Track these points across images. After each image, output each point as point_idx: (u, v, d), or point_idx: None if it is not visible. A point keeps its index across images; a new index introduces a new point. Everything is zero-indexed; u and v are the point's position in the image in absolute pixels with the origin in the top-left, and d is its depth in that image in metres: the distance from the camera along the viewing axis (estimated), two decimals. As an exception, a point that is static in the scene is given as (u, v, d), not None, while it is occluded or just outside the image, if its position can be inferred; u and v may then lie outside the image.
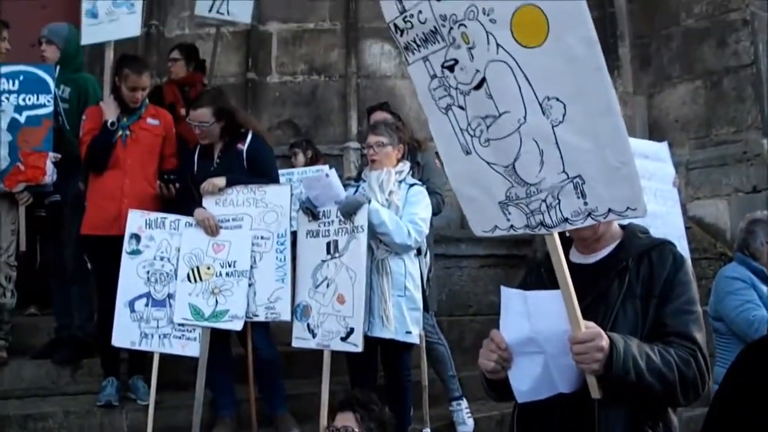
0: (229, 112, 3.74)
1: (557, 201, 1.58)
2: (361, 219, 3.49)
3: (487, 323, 3.28)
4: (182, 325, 3.67)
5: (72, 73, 4.15)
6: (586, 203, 1.54)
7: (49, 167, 3.90)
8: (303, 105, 5.69)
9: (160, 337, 3.69)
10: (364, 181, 3.66)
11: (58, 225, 4.06)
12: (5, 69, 3.96)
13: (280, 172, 4.02)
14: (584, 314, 1.58)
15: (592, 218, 1.56)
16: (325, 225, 3.63)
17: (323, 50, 5.77)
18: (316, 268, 3.62)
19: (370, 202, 3.48)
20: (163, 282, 3.75)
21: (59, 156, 3.93)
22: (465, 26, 1.56)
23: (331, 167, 3.97)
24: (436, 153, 4.04)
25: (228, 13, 4.40)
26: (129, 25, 3.95)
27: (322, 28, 5.75)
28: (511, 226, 1.70)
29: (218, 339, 3.69)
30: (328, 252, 3.59)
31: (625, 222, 1.90)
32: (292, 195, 3.74)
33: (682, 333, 1.68)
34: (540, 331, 1.62)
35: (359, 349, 3.42)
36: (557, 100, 1.50)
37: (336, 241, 3.58)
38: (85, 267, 4.00)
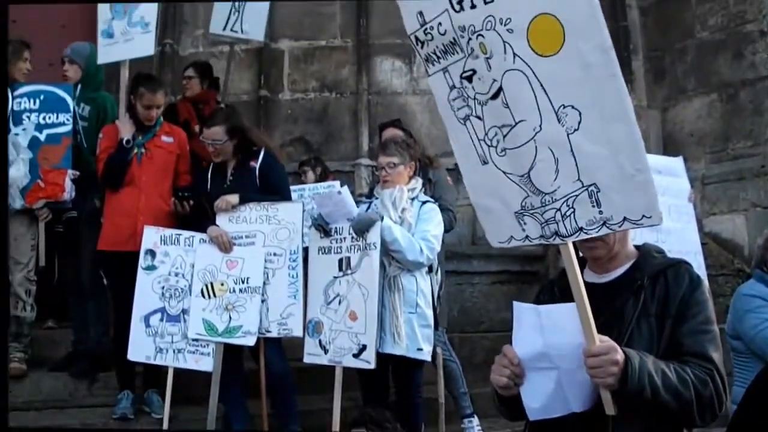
0: (242, 130, 3.80)
1: (572, 210, 1.57)
2: (373, 236, 3.51)
3: (499, 340, 3.25)
4: (196, 340, 3.73)
5: (92, 92, 4.26)
6: (601, 212, 1.53)
7: (68, 184, 4.00)
8: (314, 122, 5.75)
9: (174, 351, 3.75)
10: (376, 198, 3.69)
11: (75, 241, 4.14)
12: (26, 88, 4.08)
13: (291, 188, 4.06)
14: (598, 332, 1.56)
15: (608, 227, 1.55)
16: (337, 242, 3.65)
17: (334, 67, 5.82)
18: (328, 284, 3.64)
19: (382, 219, 3.50)
20: (177, 297, 3.80)
21: (78, 173, 4.02)
22: (483, 36, 1.58)
23: (342, 184, 4.01)
24: (447, 169, 4.10)
25: (242, 31, 4.46)
26: (144, 44, 4.03)
27: (333, 45, 5.81)
28: (527, 237, 1.70)
29: (231, 354, 3.73)
30: (340, 269, 3.62)
31: (640, 242, 1.90)
32: (303, 212, 3.78)
33: (699, 353, 1.65)
34: (553, 345, 1.60)
35: (372, 366, 3.44)
36: (572, 107, 1.50)
37: (348, 258, 3.60)
38: (101, 282, 4.07)
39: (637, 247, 1.86)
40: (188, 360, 3.74)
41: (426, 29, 1.68)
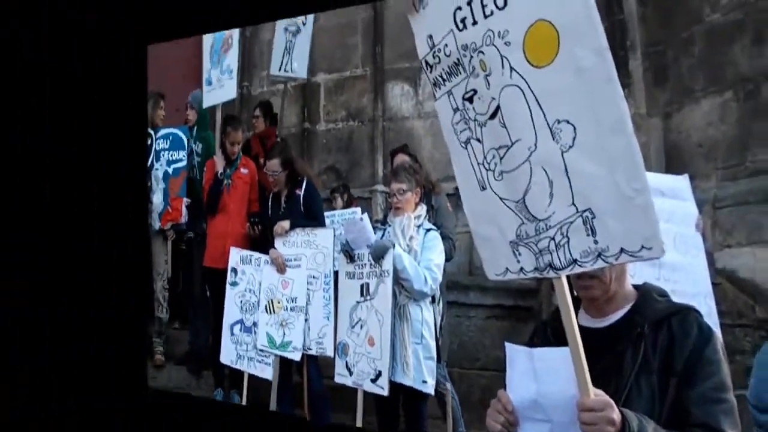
0: (291, 161, 4.14)
1: (566, 239, 1.45)
2: (387, 263, 3.53)
3: (495, 379, 3.01)
4: (262, 350, 4.19)
5: (203, 131, 5.06)
6: (596, 241, 1.40)
7: (183, 210, 4.83)
8: (342, 150, 5.83)
9: (248, 359, 4.26)
10: (389, 225, 3.68)
11: (191, 259, 4.96)
12: (162, 132, 5.02)
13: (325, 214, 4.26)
14: (594, 384, 1.43)
15: (603, 259, 1.40)
16: (359, 267, 3.74)
17: (357, 96, 5.83)
18: (352, 308, 3.75)
19: (394, 246, 3.50)
20: (251, 311, 4.31)
21: (190, 200, 4.83)
22: (483, 53, 1.53)
23: (363, 211, 4.07)
24: (447, 195, 3.84)
25: (292, 70, 4.82)
26: (230, 89, 4.68)
27: (356, 75, 5.83)
28: (521, 269, 1.59)
29: (284, 366, 4.10)
30: (362, 294, 3.70)
31: (640, 280, 1.68)
32: (334, 237, 3.95)
33: (710, 426, 1.42)
34: (546, 394, 1.47)
35: (385, 392, 3.47)
36: (567, 122, 1.40)
37: (368, 284, 3.67)
38: (207, 294, 4.80)
39: (636, 287, 1.65)
40: (257, 367, 4.22)
41: (434, 52, 1.66)
